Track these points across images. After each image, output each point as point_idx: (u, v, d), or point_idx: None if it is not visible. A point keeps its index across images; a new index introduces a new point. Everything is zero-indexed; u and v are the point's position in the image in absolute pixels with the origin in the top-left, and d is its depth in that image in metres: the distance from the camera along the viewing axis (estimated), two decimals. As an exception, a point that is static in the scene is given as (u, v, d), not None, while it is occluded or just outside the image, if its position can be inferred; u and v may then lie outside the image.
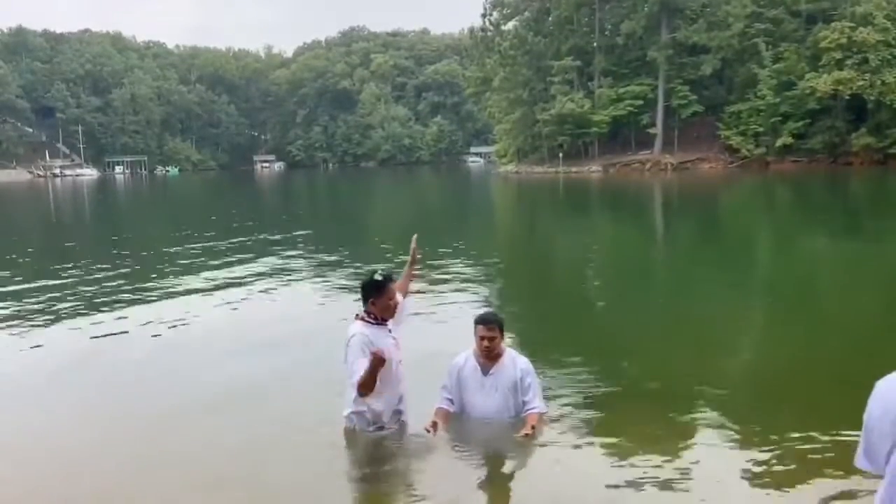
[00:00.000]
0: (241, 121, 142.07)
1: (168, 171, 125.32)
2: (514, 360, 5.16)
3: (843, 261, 14.47)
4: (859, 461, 2.22)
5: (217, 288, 12.08)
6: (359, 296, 4.97)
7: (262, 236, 20.61)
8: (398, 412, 4.99)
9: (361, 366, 4.56)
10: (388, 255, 15.09)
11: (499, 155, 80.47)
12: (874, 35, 50.49)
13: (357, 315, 4.90)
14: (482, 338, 5.05)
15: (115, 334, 8.90)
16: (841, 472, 4.41)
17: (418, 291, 6.07)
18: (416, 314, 5.48)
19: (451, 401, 5.22)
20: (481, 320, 5.13)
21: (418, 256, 5.58)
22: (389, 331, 4.89)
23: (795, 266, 14.09)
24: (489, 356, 5.11)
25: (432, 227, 23.69)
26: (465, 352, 5.24)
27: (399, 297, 5.05)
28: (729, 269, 13.38)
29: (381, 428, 4.91)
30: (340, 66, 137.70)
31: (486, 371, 5.13)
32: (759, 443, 4.98)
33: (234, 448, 5.32)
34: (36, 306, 10.70)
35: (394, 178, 79.41)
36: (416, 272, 5.82)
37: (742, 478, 4.50)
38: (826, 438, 4.96)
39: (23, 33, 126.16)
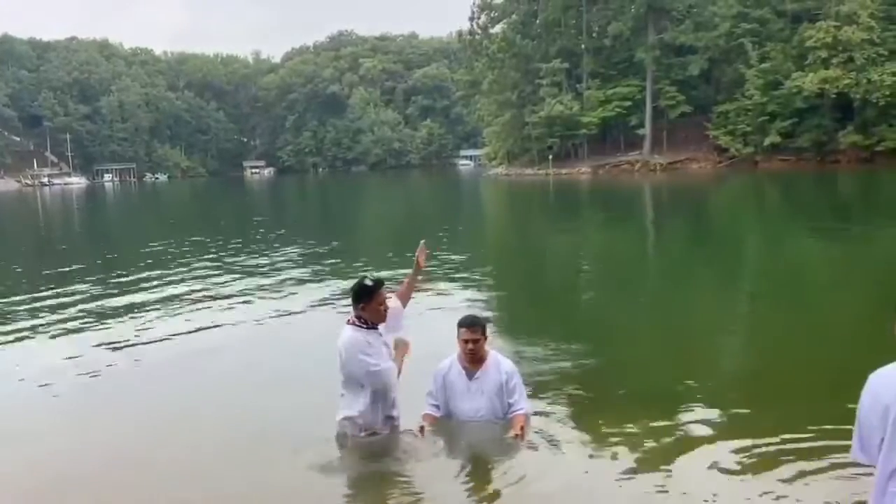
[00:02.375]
0: (229, 126, 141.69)
1: (157, 178, 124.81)
2: (499, 363, 5.13)
3: (830, 258, 14.58)
4: (854, 453, 2.28)
5: (216, 293, 12.10)
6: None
7: (262, 241, 20.56)
8: (390, 417, 4.98)
9: (386, 362, 4.71)
10: (389, 261, 15.12)
11: (489, 157, 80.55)
12: (859, 34, 50.81)
13: (348, 320, 4.91)
14: (466, 341, 5.00)
15: (119, 338, 8.91)
16: (828, 469, 4.46)
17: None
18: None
19: (436, 406, 5.20)
20: (464, 323, 5.06)
21: (423, 264, 5.33)
22: (380, 335, 4.90)
23: (783, 263, 14.18)
24: (473, 360, 5.07)
25: (426, 228, 23.68)
26: (450, 357, 5.19)
27: (397, 303, 5.06)
28: (718, 268, 13.46)
29: (374, 433, 4.92)
30: (329, 70, 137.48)
31: (471, 375, 5.09)
32: (750, 441, 5.01)
33: (226, 450, 5.34)
34: (37, 321, 10.62)
35: (385, 181, 79.32)
36: (420, 281, 5.59)
37: (732, 478, 4.52)
38: (812, 434, 5.02)
39: (9, 41, 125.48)
